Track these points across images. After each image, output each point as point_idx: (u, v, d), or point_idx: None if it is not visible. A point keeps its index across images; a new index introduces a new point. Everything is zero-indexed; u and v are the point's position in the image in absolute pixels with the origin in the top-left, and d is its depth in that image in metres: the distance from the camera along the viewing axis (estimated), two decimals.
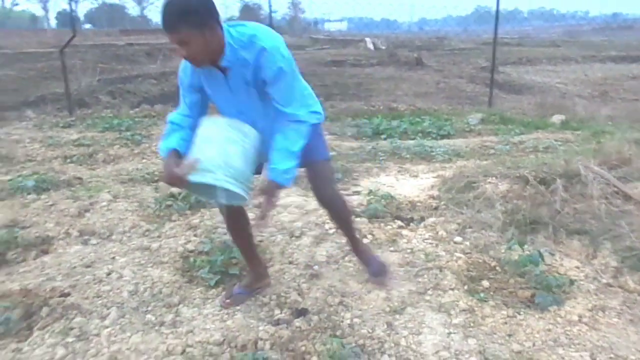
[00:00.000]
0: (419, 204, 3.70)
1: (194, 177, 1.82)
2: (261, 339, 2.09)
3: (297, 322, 2.21)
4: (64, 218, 3.45)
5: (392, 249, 2.97)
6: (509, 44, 23.23)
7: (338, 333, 2.15)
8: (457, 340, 2.10)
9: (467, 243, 3.00)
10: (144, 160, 5.20)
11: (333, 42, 24.29)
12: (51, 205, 3.68)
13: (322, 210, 2.51)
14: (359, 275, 2.65)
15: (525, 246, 2.80)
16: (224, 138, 1.88)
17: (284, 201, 3.61)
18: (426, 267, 2.72)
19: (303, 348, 2.04)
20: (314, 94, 2.27)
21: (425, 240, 3.07)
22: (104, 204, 3.71)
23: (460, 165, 4.68)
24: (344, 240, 3.06)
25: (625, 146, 3.83)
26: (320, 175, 2.25)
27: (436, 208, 3.57)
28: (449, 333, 2.15)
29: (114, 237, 3.20)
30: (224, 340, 2.09)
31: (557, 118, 7.39)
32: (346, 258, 2.84)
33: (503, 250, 2.86)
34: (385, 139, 6.15)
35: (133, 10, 55.67)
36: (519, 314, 2.29)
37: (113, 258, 2.89)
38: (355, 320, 2.24)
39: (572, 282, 2.51)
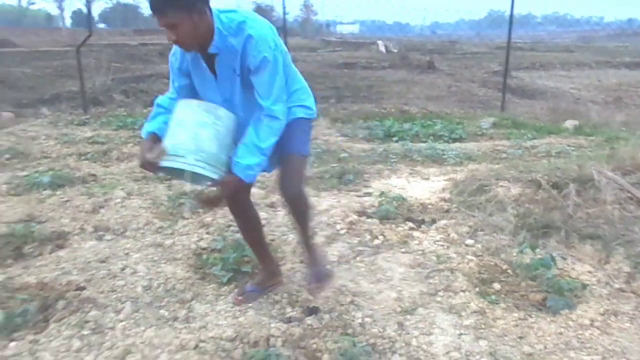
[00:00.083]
0: (430, 206, 3.70)
1: (165, 162, 1.88)
2: (273, 336, 2.11)
3: (309, 320, 2.22)
4: (79, 214, 3.50)
5: (403, 250, 2.98)
6: (522, 48, 23.16)
7: (349, 332, 2.16)
8: (468, 342, 2.10)
9: (479, 246, 3.00)
10: None
11: (345, 45, 24.38)
12: (66, 201, 3.74)
13: (287, 207, 2.25)
14: (371, 275, 2.66)
15: (537, 250, 2.79)
16: (195, 122, 1.91)
17: None
18: (437, 269, 2.72)
19: (314, 346, 2.06)
20: (308, 89, 2.24)
21: (437, 242, 3.07)
22: (118, 200, 3.76)
23: (472, 169, 4.68)
24: (355, 240, 3.10)
25: (639, 152, 3.81)
26: (292, 168, 2.13)
27: (447, 210, 3.57)
28: (460, 334, 2.16)
29: (127, 233, 3.24)
30: (237, 336, 2.12)
31: (570, 123, 7.35)
32: (357, 258, 2.86)
33: (515, 254, 2.86)
34: (396, 141, 6.15)
35: (146, 10, 56.18)
36: (530, 317, 2.28)
37: (127, 254, 2.93)
38: (367, 319, 2.25)
39: (584, 286, 2.50)
